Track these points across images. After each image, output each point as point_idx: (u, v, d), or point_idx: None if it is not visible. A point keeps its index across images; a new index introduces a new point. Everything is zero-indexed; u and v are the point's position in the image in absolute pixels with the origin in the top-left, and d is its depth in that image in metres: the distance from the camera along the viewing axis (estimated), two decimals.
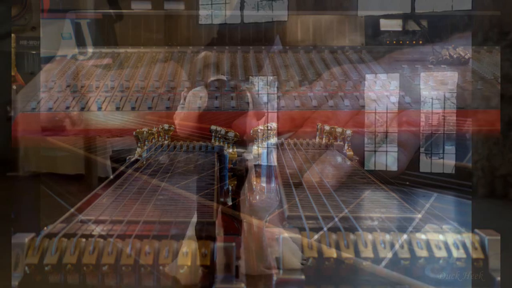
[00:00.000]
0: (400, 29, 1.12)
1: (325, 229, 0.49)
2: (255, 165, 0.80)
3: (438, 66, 0.99)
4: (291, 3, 1.10)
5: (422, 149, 0.80)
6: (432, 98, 0.81)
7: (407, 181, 0.74)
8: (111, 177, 0.69)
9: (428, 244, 0.48)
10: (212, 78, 1.02)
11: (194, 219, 0.52)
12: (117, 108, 0.95)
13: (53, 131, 0.90)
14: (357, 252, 0.47)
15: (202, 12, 1.09)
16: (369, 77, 0.96)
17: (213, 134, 0.87)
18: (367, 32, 1.13)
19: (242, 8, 1.10)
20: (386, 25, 1.13)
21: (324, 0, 1.13)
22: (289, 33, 1.15)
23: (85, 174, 0.87)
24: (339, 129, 0.83)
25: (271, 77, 0.99)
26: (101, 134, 0.89)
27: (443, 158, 0.76)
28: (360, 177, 0.69)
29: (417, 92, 0.92)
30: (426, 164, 0.80)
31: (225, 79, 1.02)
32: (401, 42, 1.11)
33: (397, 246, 0.47)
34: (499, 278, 0.47)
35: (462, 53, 0.99)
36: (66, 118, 0.91)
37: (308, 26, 1.16)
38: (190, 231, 0.49)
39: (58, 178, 0.86)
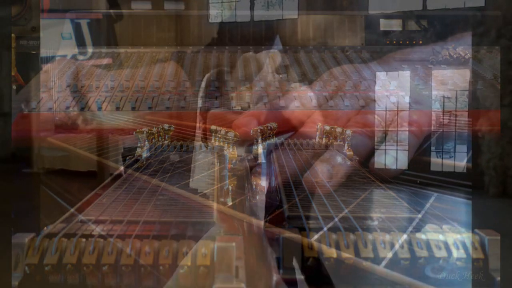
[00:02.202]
0: (400, 29, 1.12)
1: (325, 229, 0.49)
2: (255, 165, 0.80)
3: (438, 66, 0.99)
4: (292, 3, 1.10)
5: (432, 148, 0.79)
6: (444, 97, 0.81)
7: (407, 180, 0.74)
8: (113, 175, 0.69)
9: (428, 244, 0.48)
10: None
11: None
12: (117, 108, 0.95)
13: (66, 129, 0.90)
14: (357, 252, 0.47)
15: (212, 11, 1.09)
16: (378, 75, 0.96)
17: (213, 134, 0.87)
18: (367, 31, 1.13)
19: (252, 6, 1.09)
20: (386, 25, 1.12)
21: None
22: (290, 33, 1.15)
23: (97, 171, 0.87)
24: (339, 129, 0.83)
25: (282, 75, 0.99)
26: (113, 133, 0.89)
27: (454, 157, 0.76)
28: (360, 177, 0.69)
29: (419, 92, 0.91)
30: (426, 164, 0.80)
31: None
32: (401, 42, 1.11)
33: (397, 246, 0.47)
34: (499, 278, 0.47)
35: (462, 53, 0.99)
36: (78, 117, 0.92)
37: (308, 25, 1.16)
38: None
39: (70, 175, 0.86)
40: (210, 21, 1.12)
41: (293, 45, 1.14)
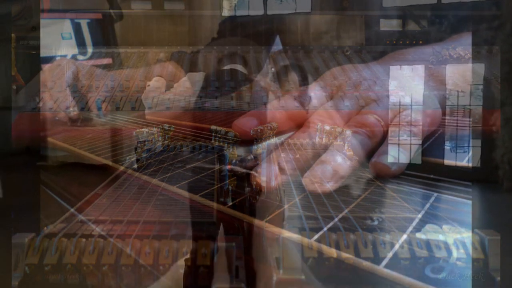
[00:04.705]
0: (400, 29, 1.11)
1: (325, 229, 0.49)
2: (255, 165, 0.80)
3: (438, 66, 0.99)
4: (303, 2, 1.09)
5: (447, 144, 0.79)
6: (458, 91, 0.80)
7: (407, 180, 0.74)
8: (115, 172, 0.69)
9: (428, 244, 0.48)
10: (226, 67, 1.01)
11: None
12: (117, 108, 0.95)
13: (66, 129, 0.90)
14: (357, 252, 0.47)
15: (225, 4, 1.09)
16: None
17: (213, 134, 0.87)
18: (367, 31, 1.13)
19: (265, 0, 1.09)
20: (386, 25, 1.12)
21: None
22: (290, 32, 1.15)
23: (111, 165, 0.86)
24: (339, 129, 0.83)
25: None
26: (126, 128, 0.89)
27: (468, 154, 0.76)
28: (360, 177, 0.69)
29: (428, 90, 0.90)
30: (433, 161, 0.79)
31: (241, 69, 1.01)
32: (401, 42, 1.10)
33: (397, 246, 0.47)
34: (499, 278, 0.47)
35: (462, 53, 0.99)
36: (78, 116, 0.92)
37: (308, 25, 1.15)
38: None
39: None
40: (222, 14, 1.12)
41: (301, 42, 1.13)
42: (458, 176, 0.71)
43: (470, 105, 0.79)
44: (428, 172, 0.73)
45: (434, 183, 0.70)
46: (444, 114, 0.82)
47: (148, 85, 0.93)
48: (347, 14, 1.11)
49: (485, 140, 0.76)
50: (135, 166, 0.75)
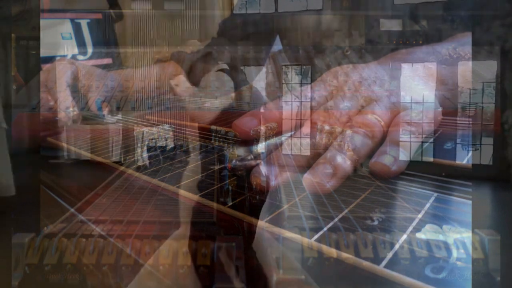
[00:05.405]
0: (400, 29, 1.11)
1: (325, 229, 0.49)
2: (255, 165, 0.80)
3: (438, 66, 0.99)
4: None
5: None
6: (470, 89, 0.80)
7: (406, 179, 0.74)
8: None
9: (428, 244, 0.48)
10: (216, 68, 1.01)
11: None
12: (117, 108, 0.95)
13: (66, 129, 0.90)
14: (357, 252, 0.47)
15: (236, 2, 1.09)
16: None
17: (213, 134, 0.87)
18: (367, 31, 1.13)
19: None
20: (386, 25, 1.12)
21: None
22: (289, 31, 1.15)
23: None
24: (339, 129, 0.83)
25: (304, 67, 0.98)
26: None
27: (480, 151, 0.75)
28: (360, 177, 0.69)
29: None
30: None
31: (225, 67, 1.01)
32: (401, 42, 1.10)
33: (397, 246, 0.47)
34: (499, 278, 0.47)
35: (462, 53, 0.98)
36: (78, 117, 0.92)
37: (307, 25, 1.15)
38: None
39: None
40: (234, 12, 1.11)
41: (301, 41, 1.13)
42: (461, 175, 0.71)
43: (482, 103, 0.78)
44: (428, 172, 0.73)
45: (434, 183, 0.70)
46: (443, 114, 0.82)
47: (176, 85, 0.92)
48: (358, 13, 1.11)
49: (497, 138, 0.76)
50: (147, 162, 0.75)
